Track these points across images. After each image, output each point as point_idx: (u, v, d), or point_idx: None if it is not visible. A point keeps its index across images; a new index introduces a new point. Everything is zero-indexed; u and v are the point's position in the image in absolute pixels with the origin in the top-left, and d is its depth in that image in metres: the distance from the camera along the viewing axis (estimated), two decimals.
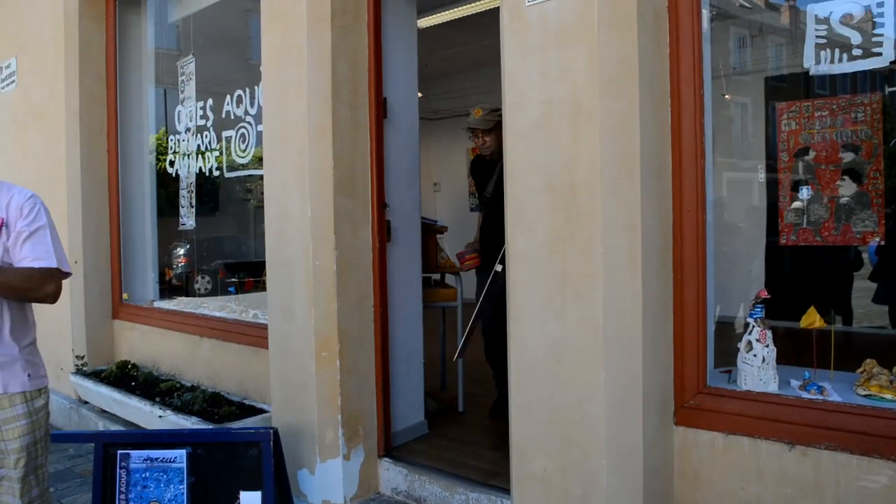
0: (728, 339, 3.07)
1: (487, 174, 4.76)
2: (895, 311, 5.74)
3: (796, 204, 3.30)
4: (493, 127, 4.56)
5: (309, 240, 3.80)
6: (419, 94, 4.70)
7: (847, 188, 3.24)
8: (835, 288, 6.10)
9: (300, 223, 3.85)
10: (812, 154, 3.25)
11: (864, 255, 6.38)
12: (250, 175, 5.32)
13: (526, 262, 2.95)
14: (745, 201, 6.80)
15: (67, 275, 2.71)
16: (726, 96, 6.57)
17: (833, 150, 3.18)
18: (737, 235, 6.72)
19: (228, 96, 5.30)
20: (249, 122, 5.13)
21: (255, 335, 4.70)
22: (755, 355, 2.83)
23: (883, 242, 3.52)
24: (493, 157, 4.63)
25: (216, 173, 5.59)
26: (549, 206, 2.88)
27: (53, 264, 2.62)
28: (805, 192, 3.25)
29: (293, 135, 3.98)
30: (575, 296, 2.81)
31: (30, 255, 2.58)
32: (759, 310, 2.85)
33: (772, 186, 3.81)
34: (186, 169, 5.87)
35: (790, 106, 3.26)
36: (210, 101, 5.56)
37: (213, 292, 7.44)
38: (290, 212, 3.92)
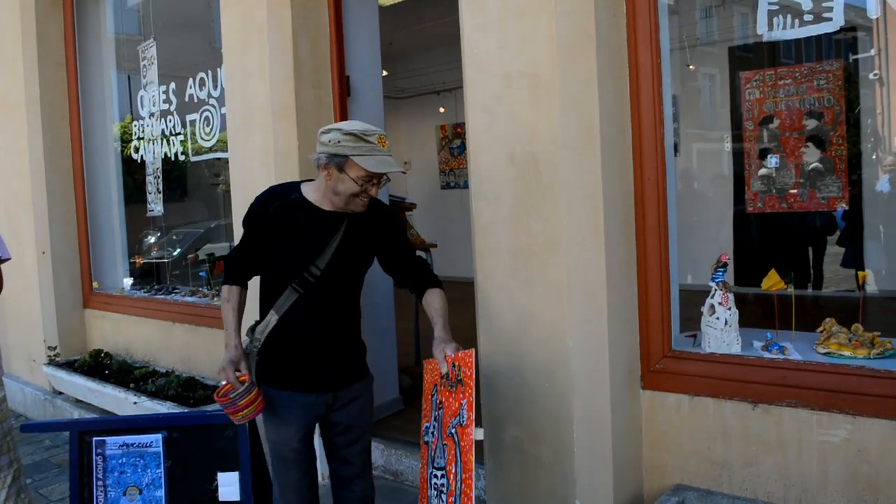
0: (697, 307, 3.12)
1: (326, 233, 2.63)
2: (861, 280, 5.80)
3: (763, 171, 3.35)
4: None
5: None
6: (384, 73, 4.69)
7: (811, 155, 3.28)
8: (805, 254, 6.20)
9: None
10: (776, 122, 3.29)
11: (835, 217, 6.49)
12: (217, 158, 5.29)
13: (491, 234, 2.98)
14: (713, 171, 6.88)
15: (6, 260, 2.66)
16: (690, 66, 6.63)
17: (797, 117, 3.23)
18: (705, 205, 6.81)
19: (191, 79, 5.26)
20: (213, 105, 5.09)
21: None
22: (718, 318, 2.89)
23: (847, 207, 3.59)
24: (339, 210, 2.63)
25: (182, 158, 5.55)
26: (513, 178, 2.90)
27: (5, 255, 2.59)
28: (772, 161, 3.29)
29: (257, 116, 3.97)
30: (540, 266, 2.84)
31: None
32: (720, 273, 2.90)
33: (738, 156, 3.86)
34: (152, 154, 5.82)
35: (754, 75, 3.30)
36: (173, 85, 5.52)
37: (184, 280, 7.40)
38: (257, 192, 3.90)
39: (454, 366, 2.47)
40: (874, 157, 6.36)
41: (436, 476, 2.51)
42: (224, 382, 2.55)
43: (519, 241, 2.89)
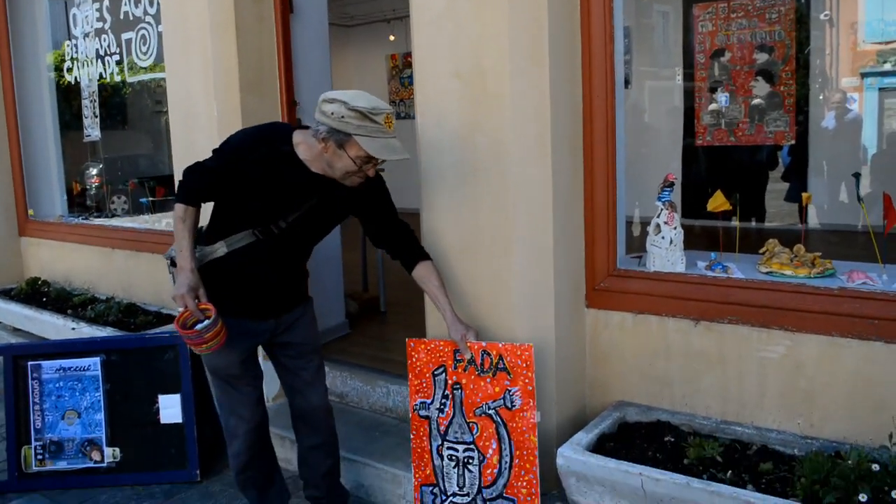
0: (645, 239, 3.11)
1: (306, 194, 2.53)
2: (804, 208, 5.96)
3: (712, 106, 3.34)
4: None
5: (217, 140, 3.63)
6: None
7: (761, 89, 3.29)
8: (749, 187, 6.30)
9: (207, 123, 3.72)
10: (728, 55, 3.28)
11: (778, 154, 6.60)
12: (154, 79, 5.09)
13: (436, 151, 2.91)
14: (663, 106, 6.89)
15: None
16: None
17: (748, 51, 3.22)
18: (655, 139, 6.83)
19: None
20: (150, 23, 4.87)
21: (168, 243, 4.53)
22: (663, 237, 2.89)
23: (794, 142, 3.61)
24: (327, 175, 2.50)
25: (118, 79, 5.33)
26: (459, 94, 2.82)
27: None
28: (722, 99, 3.29)
29: (195, 31, 3.80)
30: (486, 184, 2.79)
31: None
32: (666, 193, 2.88)
33: (689, 93, 3.85)
34: (87, 77, 5.57)
35: (706, 7, 3.27)
36: (107, 2, 5.25)
37: (129, 214, 7.24)
38: (196, 112, 3.78)
39: (486, 353, 2.70)
40: (821, 97, 6.44)
41: (454, 449, 2.80)
42: (182, 309, 2.42)
43: (464, 158, 2.83)
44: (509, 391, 2.67)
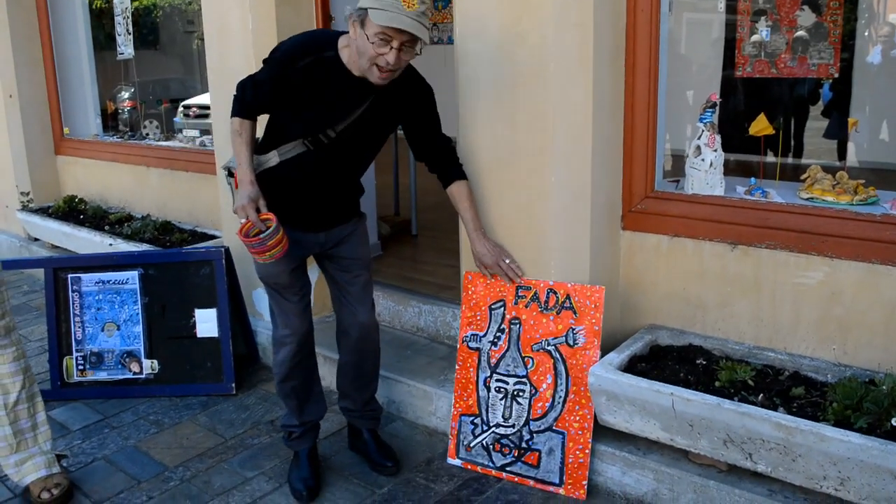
0: (679, 170, 3.05)
1: (352, 101, 2.49)
2: (843, 146, 5.81)
3: (755, 37, 3.24)
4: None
5: (251, 54, 3.62)
6: None
7: (806, 18, 3.17)
8: (789, 121, 6.13)
9: (241, 37, 3.67)
10: None
11: (820, 91, 6.39)
12: None
13: (475, 64, 2.85)
14: (703, 36, 6.67)
15: None
16: None
17: None
18: (691, 68, 6.64)
19: None
20: None
21: (203, 161, 4.60)
22: (703, 160, 2.83)
23: (837, 75, 3.50)
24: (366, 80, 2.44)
25: None
26: (499, 3, 2.74)
27: None
28: (763, 33, 3.18)
29: None
30: (524, 97, 2.73)
31: None
32: (709, 114, 2.82)
33: (730, 25, 3.72)
34: None
35: None
36: None
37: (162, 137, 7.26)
38: (230, 25, 3.72)
39: (552, 291, 2.78)
40: (866, 33, 6.20)
41: (504, 382, 2.87)
42: (243, 221, 2.45)
43: (503, 71, 2.77)
44: (573, 329, 2.74)
